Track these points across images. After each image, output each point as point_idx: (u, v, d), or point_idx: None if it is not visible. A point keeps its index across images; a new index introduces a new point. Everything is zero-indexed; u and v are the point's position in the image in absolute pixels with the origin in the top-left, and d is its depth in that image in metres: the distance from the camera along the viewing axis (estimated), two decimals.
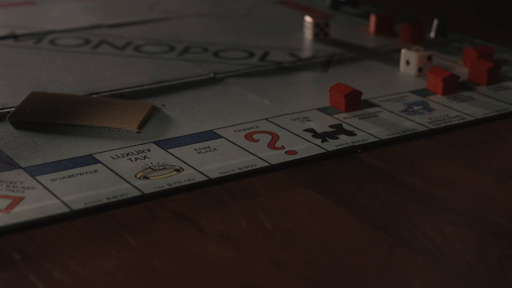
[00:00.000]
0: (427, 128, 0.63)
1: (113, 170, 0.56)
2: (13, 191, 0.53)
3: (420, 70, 0.74)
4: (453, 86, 0.70)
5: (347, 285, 0.45)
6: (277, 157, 0.58)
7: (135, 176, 0.55)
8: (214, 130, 0.62)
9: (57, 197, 0.52)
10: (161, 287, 0.44)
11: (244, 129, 0.62)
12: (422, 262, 0.47)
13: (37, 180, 0.54)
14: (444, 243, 0.49)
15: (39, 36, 0.83)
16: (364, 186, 0.55)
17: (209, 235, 0.49)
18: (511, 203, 0.54)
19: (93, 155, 0.58)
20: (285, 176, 0.56)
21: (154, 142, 0.60)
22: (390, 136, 0.62)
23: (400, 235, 0.49)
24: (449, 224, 0.51)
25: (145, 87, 0.70)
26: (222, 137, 0.61)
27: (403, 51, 0.75)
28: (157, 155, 0.58)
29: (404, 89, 0.71)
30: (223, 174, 0.56)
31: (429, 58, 0.74)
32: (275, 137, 0.61)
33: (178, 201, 0.53)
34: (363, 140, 0.61)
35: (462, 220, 0.51)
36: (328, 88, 0.67)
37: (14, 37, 0.83)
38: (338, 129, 0.63)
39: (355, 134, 0.62)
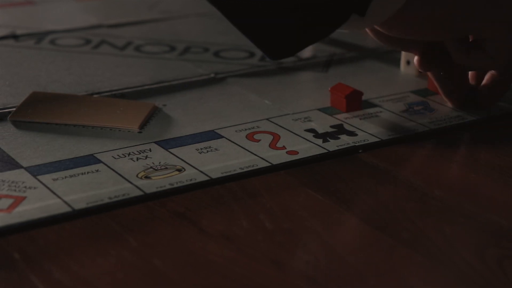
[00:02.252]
0: (427, 128, 0.63)
1: (114, 170, 0.56)
2: (15, 191, 0.53)
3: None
4: None
5: (347, 285, 0.45)
6: (278, 157, 0.58)
7: (137, 176, 0.55)
8: (216, 130, 0.62)
9: (59, 197, 0.52)
10: (161, 287, 0.44)
11: (245, 129, 0.62)
12: (422, 262, 0.47)
13: (38, 180, 0.54)
14: (444, 243, 0.49)
15: (39, 36, 0.83)
16: (364, 186, 0.55)
17: (209, 235, 0.49)
18: (511, 203, 0.54)
19: (94, 155, 0.58)
20: (286, 176, 0.56)
21: (155, 142, 0.60)
22: (391, 136, 0.62)
23: (400, 235, 0.49)
24: (449, 224, 0.51)
25: (146, 87, 0.70)
26: (223, 137, 0.61)
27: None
28: (158, 155, 0.58)
29: (404, 89, 0.71)
30: (224, 174, 0.56)
31: None
32: (276, 137, 0.61)
33: (179, 201, 0.53)
34: (364, 140, 0.61)
35: (462, 220, 0.51)
36: (329, 88, 0.67)
37: (14, 37, 0.83)
38: (339, 129, 0.63)
39: (356, 134, 0.62)
